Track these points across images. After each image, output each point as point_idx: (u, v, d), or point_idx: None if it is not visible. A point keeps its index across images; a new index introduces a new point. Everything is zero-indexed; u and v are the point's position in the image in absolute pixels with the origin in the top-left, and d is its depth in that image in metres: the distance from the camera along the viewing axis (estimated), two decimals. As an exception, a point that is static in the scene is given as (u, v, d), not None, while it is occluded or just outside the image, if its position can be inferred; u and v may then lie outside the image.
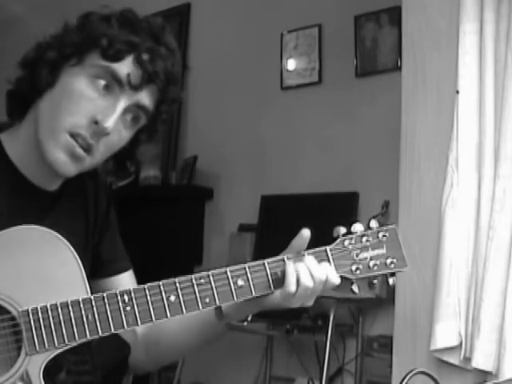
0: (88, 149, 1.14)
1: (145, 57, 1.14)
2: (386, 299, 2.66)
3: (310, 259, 1.16)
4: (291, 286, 1.15)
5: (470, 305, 1.95)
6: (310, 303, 1.20)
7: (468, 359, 1.94)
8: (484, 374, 1.91)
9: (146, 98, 1.17)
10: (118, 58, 1.12)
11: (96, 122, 1.13)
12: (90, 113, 1.13)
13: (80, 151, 1.14)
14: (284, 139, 3.58)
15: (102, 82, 1.13)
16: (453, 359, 1.99)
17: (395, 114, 2.27)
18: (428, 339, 2.01)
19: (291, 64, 3.60)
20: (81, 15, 1.16)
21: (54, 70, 1.13)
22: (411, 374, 1.35)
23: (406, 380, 1.34)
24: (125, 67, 1.13)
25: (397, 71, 2.81)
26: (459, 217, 1.99)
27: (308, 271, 1.15)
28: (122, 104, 1.15)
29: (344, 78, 3.38)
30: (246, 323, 1.28)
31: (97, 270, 1.27)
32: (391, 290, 2.39)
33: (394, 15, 3.14)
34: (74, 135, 1.13)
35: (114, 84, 1.14)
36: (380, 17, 3.26)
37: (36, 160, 1.18)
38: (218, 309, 1.21)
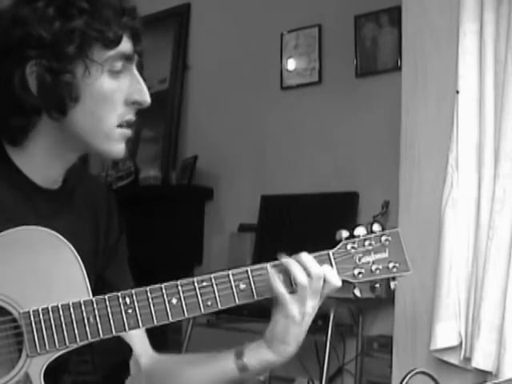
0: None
1: (131, 23, 1.16)
2: (386, 299, 2.66)
3: (304, 256, 1.15)
4: (282, 296, 1.13)
5: (470, 305, 1.95)
6: (315, 308, 1.17)
7: (468, 359, 1.94)
8: (484, 374, 1.92)
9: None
10: (119, 41, 1.14)
11: (134, 102, 1.17)
12: (124, 98, 1.16)
13: (131, 132, 1.19)
14: (284, 139, 3.58)
15: (117, 67, 1.15)
16: (453, 359, 1.99)
17: (395, 114, 2.27)
18: (428, 339, 2.01)
19: (291, 64, 3.60)
20: (52, 16, 1.10)
21: (74, 88, 1.12)
22: (411, 374, 1.35)
23: (406, 380, 1.34)
24: (126, 43, 1.15)
25: (397, 71, 2.81)
26: (459, 217, 1.99)
27: (300, 267, 1.14)
28: (136, 71, 1.19)
29: (344, 78, 3.38)
30: (262, 378, 1.26)
31: (97, 291, 1.25)
32: (391, 291, 2.39)
33: (394, 15, 3.14)
34: (123, 125, 1.17)
35: (125, 61, 1.16)
36: (380, 17, 3.25)
37: (42, 167, 1.18)
38: (241, 359, 1.20)
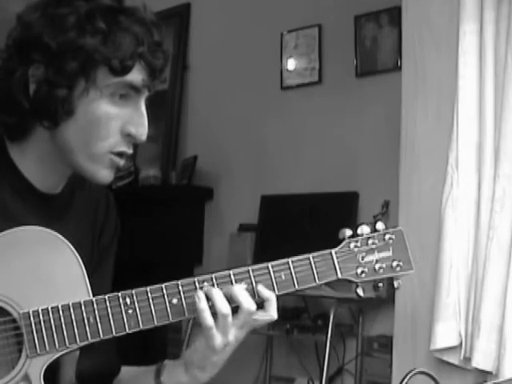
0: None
1: (150, 58, 1.13)
2: (386, 299, 2.66)
3: (236, 288, 1.10)
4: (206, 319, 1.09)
5: (470, 305, 1.95)
6: (240, 338, 1.13)
7: (468, 359, 1.94)
8: (484, 374, 1.91)
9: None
10: (129, 70, 1.10)
11: (129, 135, 1.14)
12: (121, 127, 1.13)
13: (123, 163, 1.16)
14: (284, 139, 3.58)
15: (120, 94, 1.12)
16: (453, 359, 1.99)
17: (395, 114, 2.27)
18: (428, 339, 2.01)
19: (291, 64, 3.60)
20: (64, 28, 1.08)
21: (68, 103, 1.10)
22: (411, 374, 1.35)
23: (405, 380, 1.34)
24: (137, 74, 1.12)
25: (397, 71, 2.81)
26: (459, 217, 1.99)
27: (222, 296, 1.09)
28: (143, 105, 1.15)
29: (344, 78, 3.38)
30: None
31: None
32: (391, 290, 2.39)
33: (394, 15, 3.14)
34: (116, 153, 1.14)
35: (131, 91, 1.13)
36: (380, 17, 3.26)
37: (45, 171, 1.17)
38: (158, 378, 1.17)
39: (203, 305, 1.09)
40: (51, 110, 1.10)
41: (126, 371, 1.29)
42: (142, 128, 1.14)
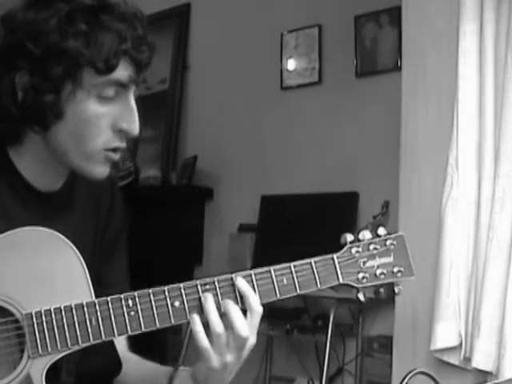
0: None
1: (134, 53, 1.12)
2: (386, 299, 2.65)
3: (229, 305, 1.10)
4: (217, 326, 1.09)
5: (470, 305, 1.95)
6: (241, 358, 1.12)
7: (468, 359, 1.94)
8: (484, 374, 1.92)
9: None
10: (114, 69, 1.11)
11: (120, 130, 1.14)
12: (112, 124, 1.13)
13: (118, 157, 1.16)
14: (284, 139, 3.58)
15: (108, 93, 1.12)
16: (453, 359, 1.99)
17: (395, 114, 2.27)
18: (428, 339, 2.01)
19: (291, 64, 3.60)
20: (47, 30, 1.08)
21: (57, 107, 1.10)
22: (411, 374, 1.35)
23: (406, 380, 1.34)
24: (122, 71, 1.12)
25: (397, 71, 2.81)
26: (459, 217, 1.99)
27: (217, 316, 1.10)
28: (132, 100, 1.15)
29: (344, 78, 3.38)
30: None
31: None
32: (395, 295, 2.39)
33: (394, 15, 3.14)
34: (110, 149, 1.14)
35: (119, 88, 1.13)
36: (380, 17, 3.26)
37: (43, 172, 1.18)
38: None
39: (198, 327, 1.09)
40: (40, 115, 1.10)
41: (141, 363, 1.30)
42: (133, 123, 1.14)
